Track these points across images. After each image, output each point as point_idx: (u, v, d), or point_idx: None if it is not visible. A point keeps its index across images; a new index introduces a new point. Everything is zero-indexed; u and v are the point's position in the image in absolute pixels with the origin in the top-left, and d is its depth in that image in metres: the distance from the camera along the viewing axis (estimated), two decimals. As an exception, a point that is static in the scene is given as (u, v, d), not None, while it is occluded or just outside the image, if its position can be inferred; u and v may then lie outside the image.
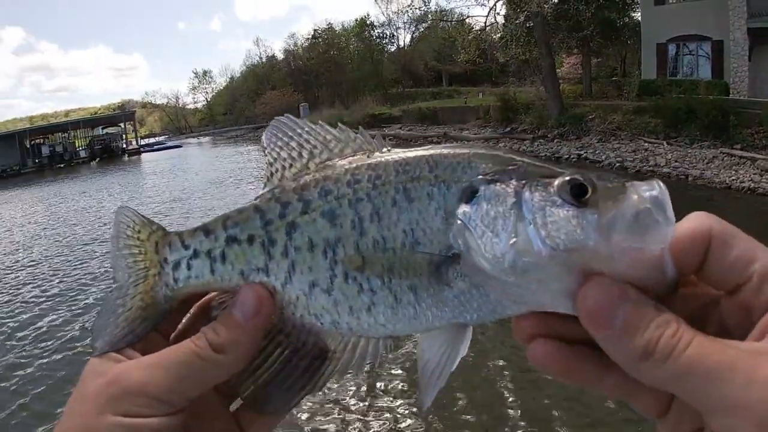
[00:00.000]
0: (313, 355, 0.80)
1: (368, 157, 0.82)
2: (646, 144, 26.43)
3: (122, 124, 72.43)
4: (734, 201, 18.94)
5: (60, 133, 69.22)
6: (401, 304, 0.77)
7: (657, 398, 0.67)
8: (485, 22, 39.38)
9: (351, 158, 0.83)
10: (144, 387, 0.71)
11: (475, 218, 0.72)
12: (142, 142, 74.35)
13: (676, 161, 23.66)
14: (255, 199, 0.83)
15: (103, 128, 71.81)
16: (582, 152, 27.68)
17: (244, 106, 78.66)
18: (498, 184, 0.73)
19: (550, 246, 0.66)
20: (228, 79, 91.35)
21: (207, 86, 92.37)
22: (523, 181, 0.71)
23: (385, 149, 0.83)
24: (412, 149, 0.81)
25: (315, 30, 71.82)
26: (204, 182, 32.70)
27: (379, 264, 0.77)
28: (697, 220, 0.65)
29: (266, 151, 0.86)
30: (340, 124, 0.86)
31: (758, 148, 22.19)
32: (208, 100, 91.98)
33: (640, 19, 34.67)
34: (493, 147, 0.81)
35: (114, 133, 70.57)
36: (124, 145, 69.63)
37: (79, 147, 66.98)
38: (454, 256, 0.74)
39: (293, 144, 0.85)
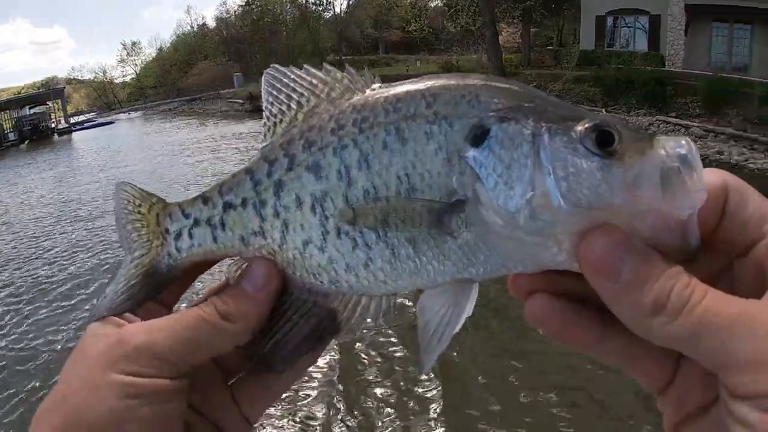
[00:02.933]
0: (315, 314, 0.77)
1: (356, 97, 0.77)
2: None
3: (50, 103, 69.24)
4: None
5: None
6: (399, 259, 0.72)
7: (662, 366, 0.64)
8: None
9: (337, 101, 0.78)
10: (150, 346, 0.70)
11: (487, 165, 0.66)
12: (72, 120, 71.40)
13: None
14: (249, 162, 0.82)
15: (30, 108, 68.38)
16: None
17: (175, 77, 76.46)
18: (513, 123, 0.66)
19: (571, 202, 0.61)
20: (157, 50, 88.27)
21: (136, 58, 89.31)
22: (543, 123, 0.65)
23: (376, 86, 0.77)
24: (411, 81, 0.75)
25: (247, -3, 70.19)
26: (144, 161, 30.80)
27: (371, 216, 0.71)
28: (712, 177, 0.61)
29: (264, 108, 0.83)
30: (325, 65, 0.81)
31: (692, 117, 24.20)
32: (138, 72, 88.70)
33: (581, -9, 35.83)
34: (504, 79, 0.73)
35: (42, 113, 66.81)
36: (54, 125, 66.58)
37: (7, 130, 63.56)
38: (458, 202, 0.68)
39: (282, 96, 0.81)
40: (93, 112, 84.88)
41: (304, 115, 0.79)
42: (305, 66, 0.81)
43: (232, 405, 0.81)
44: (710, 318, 0.53)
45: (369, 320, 0.77)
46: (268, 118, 0.82)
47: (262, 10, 67.40)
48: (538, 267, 0.65)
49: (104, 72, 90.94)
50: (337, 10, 63.98)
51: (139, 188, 0.87)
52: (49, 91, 72.81)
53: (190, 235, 0.82)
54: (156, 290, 0.82)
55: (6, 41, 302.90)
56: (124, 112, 75.94)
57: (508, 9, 36.63)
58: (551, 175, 0.62)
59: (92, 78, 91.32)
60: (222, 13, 76.58)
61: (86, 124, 67.97)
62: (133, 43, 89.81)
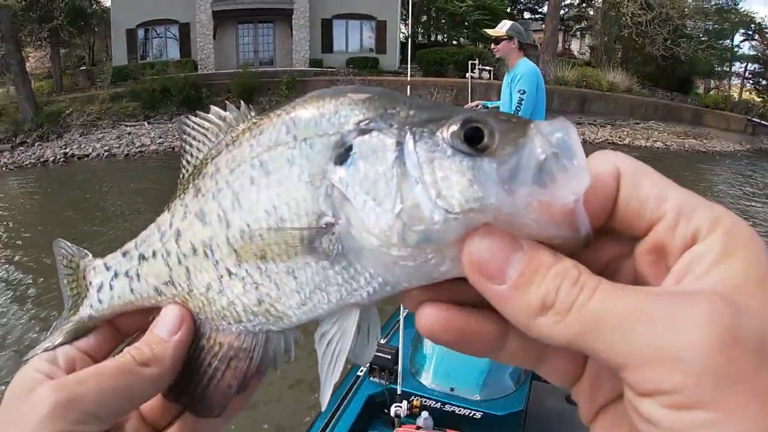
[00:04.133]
0: (231, 356, 0.74)
1: (230, 137, 0.74)
2: (128, 128, 27.09)
3: None
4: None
5: None
6: (284, 293, 0.68)
7: (567, 363, 0.59)
8: None
9: (217, 145, 0.75)
10: (72, 400, 0.67)
11: (353, 183, 0.60)
12: None
13: (160, 137, 25.26)
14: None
15: None
16: (67, 150, 25.89)
17: None
18: (375, 134, 0.60)
19: (443, 208, 0.54)
20: None
21: None
22: (406, 128, 0.59)
23: (249, 120, 0.73)
24: (277, 110, 0.69)
25: None
26: None
27: (251, 253, 0.68)
28: (602, 160, 0.55)
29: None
30: (212, 107, 0.77)
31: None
32: None
33: (110, 5, 34.92)
34: (366, 88, 0.66)
35: None
36: None
37: None
38: (328, 225, 0.63)
39: (184, 148, 0.79)
40: None
41: (198, 163, 0.77)
42: (199, 113, 0.78)
43: None
44: (602, 315, 0.49)
45: (283, 355, 0.75)
46: (179, 169, 0.80)
47: None
48: (424, 281, 0.61)
49: None
50: None
51: (72, 245, 0.89)
52: None
53: (111, 287, 0.82)
54: (74, 337, 0.81)
55: None
56: None
57: (34, 30, 32.52)
58: (419, 182, 0.56)
59: None
60: None
61: None
62: None
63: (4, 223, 16.04)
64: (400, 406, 4.22)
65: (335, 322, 0.69)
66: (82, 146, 25.95)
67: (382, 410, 4.47)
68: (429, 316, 0.58)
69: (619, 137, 29.28)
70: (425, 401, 4.33)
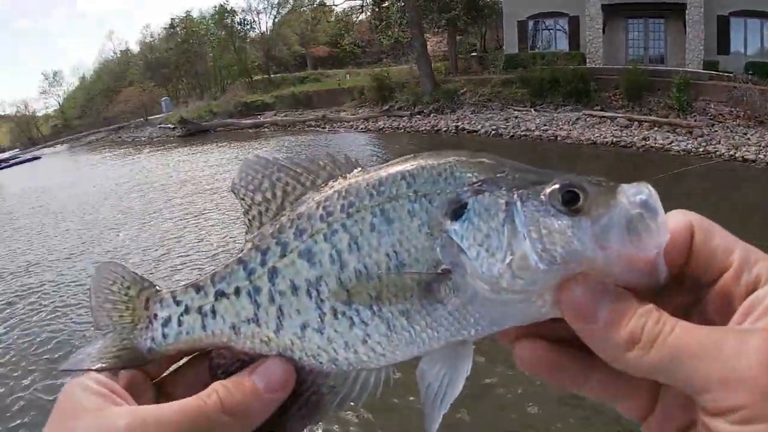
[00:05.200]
0: (314, 392, 0.79)
1: (340, 183, 0.80)
2: (516, 112, 29.29)
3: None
4: (601, 153, 21.97)
5: None
6: (395, 331, 0.75)
7: (642, 396, 0.69)
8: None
9: (323, 189, 0.80)
10: None
11: (468, 236, 0.70)
12: (-5, 158, 68.63)
13: (545, 125, 26.76)
14: (239, 252, 0.82)
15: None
16: (459, 124, 29.86)
17: (101, 106, 74.46)
18: (487, 194, 0.71)
19: (547, 260, 0.65)
20: (80, 79, 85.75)
21: (58, 88, 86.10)
22: (514, 190, 0.70)
23: (357, 170, 0.80)
24: (389, 164, 0.79)
25: (172, 20, 68.86)
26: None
27: (365, 294, 0.74)
28: (678, 217, 0.67)
29: (240, 199, 0.84)
30: (307, 154, 0.83)
31: (616, 108, 25.95)
32: (61, 103, 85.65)
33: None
34: (476, 153, 0.77)
35: (-39, 153, 64.12)
36: (-26, 164, 63.92)
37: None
38: (444, 272, 0.72)
39: (265, 185, 0.83)
40: (16, 148, 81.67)
41: (291, 204, 0.81)
42: (287, 155, 0.84)
43: None
44: (680, 347, 0.58)
45: (369, 392, 0.79)
46: (251, 207, 0.83)
47: (187, 33, 66.62)
48: (526, 321, 0.70)
49: (26, 105, 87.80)
50: (263, 28, 63.69)
51: (131, 271, 0.88)
52: (-34, 130, 69.58)
53: (179, 323, 0.83)
54: (124, 366, 0.82)
55: None
56: (49, 146, 73.31)
57: (434, 19, 37.48)
58: (526, 238, 0.67)
59: (13, 113, 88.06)
60: (145, 37, 75.02)
61: (11, 161, 65.29)
62: (55, 73, 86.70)
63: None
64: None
65: (440, 358, 0.75)
66: (472, 122, 29.57)
67: None
68: (525, 350, 0.70)
69: None
70: None
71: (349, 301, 0.75)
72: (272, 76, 56.68)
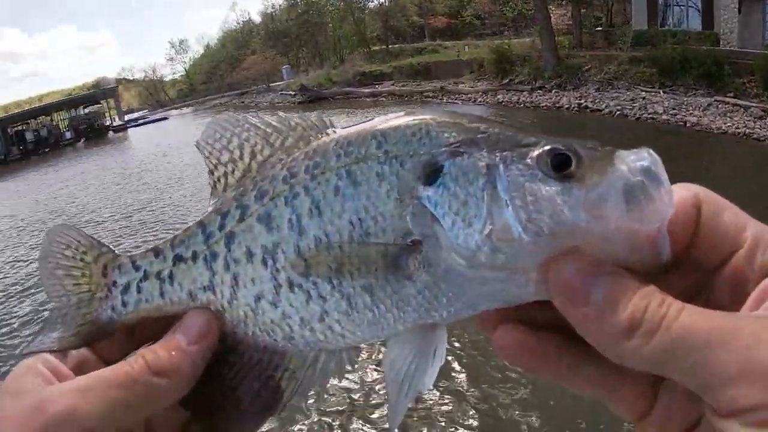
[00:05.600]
0: (271, 374, 0.73)
1: (309, 144, 0.74)
2: (643, 93, 28.05)
3: (103, 102, 71.01)
4: (731, 146, 20.77)
5: (42, 117, 67.38)
6: (356, 309, 0.69)
7: (639, 394, 0.61)
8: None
9: (291, 149, 0.75)
10: (71, 414, 0.63)
11: (442, 204, 0.63)
12: (126, 118, 73.23)
13: (673, 109, 25.30)
14: (201, 215, 0.78)
15: (84, 108, 69.94)
16: (582, 102, 29.26)
17: (224, 72, 78.22)
18: (466, 157, 0.64)
19: (533, 231, 0.58)
20: (205, 47, 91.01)
21: (184, 56, 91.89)
22: (497, 153, 0.63)
23: (329, 131, 0.75)
24: (360, 123, 0.72)
25: (293, -9, 71.00)
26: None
27: (324, 265, 0.68)
28: (684, 190, 0.59)
29: (206, 157, 0.79)
30: (279, 113, 0.78)
31: (750, 97, 24.14)
32: (187, 70, 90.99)
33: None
34: (454, 112, 0.70)
35: (96, 112, 68.97)
36: (109, 123, 68.53)
37: (63, 129, 65.84)
38: (415, 243, 0.65)
39: (233, 145, 0.78)
40: (144, 109, 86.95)
41: (258, 165, 0.77)
42: (258, 114, 0.79)
43: None
44: (689, 335, 0.50)
45: (330, 376, 0.74)
46: (216, 167, 0.79)
47: (307, 4, 68.24)
48: (507, 303, 0.63)
49: (154, 71, 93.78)
50: (382, -1, 64.39)
51: (88, 235, 0.82)
52: (102, 91, 74.67)
53: (138, 289, 0.79)
54: (86, 341, 0.78)
55: (54, 47, 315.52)
56: (176, 108, 77.65)
57: (559, -9, 36.67)
58: (509, 205, 0.60)
59: (142, 77, 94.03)
60: (267, 8, 77.82)
61: (140, 121, 69.60)
62: (181, 42, 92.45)
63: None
64: None
65: (407, 342, 0.68)
66: (596, 101, 28.79)
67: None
68: (505, 337, 0.61)
69: None
70: None
71: (306, 273, 0.70)
72: (390, 46, 57.12)
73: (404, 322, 0.68)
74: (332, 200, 0.69)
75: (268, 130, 0.77)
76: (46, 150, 60.14)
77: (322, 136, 0.75)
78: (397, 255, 0.65)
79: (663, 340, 0.51)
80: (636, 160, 0.57)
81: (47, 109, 69.26)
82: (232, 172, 0.78)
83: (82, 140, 62.23)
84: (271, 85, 60.24)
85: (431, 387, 0.70)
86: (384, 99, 41.28)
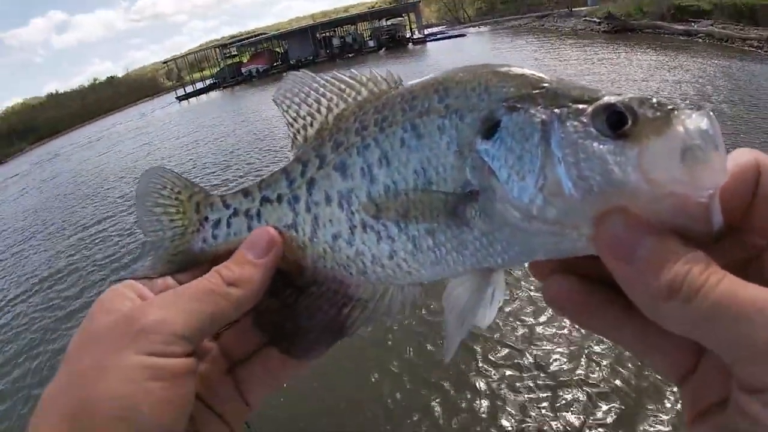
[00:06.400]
0: (344, 303, 0.79)
1: (378, 98, 0.79)
2: None
3: (405, 15, 73.97)
4: None
5: (347, 26, 73.39)
6: (421, 250, 0.74)
7: (681, 354, 0.59)
8: None
9: (363, 104, 0.80)
10: (163, 322, 0.68)
11: (499, 157, 0.64)
12: (426, 32, 75.61)
13: None
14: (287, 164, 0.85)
15: (387, 20, 74.14)
16: None
17: (525, -8, 76.22)
18: (522, 112, 0.64)
19: (583, 189, 0.58)
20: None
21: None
22: (552, 109, 0.62)
23: (397, 85, 0.80)
24: (428, 77, 0.76)
25: None
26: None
27: (392, 210, 0.74)
28: (744, 155, 0.56)
29: (285, 112, 0.85)
30: (351, 69, 0.82)
31: None
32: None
33: None
34: (519, 66, 0.70)
35: (398, 24, 72.23)
36: (409, 35, 71.01)
37: (366, 38, 70.19)
38: (472, 193, 0.67)
39: (311, 100, 0.84)
40: (442, 25, 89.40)
41: (334, 118, 0.82)
42: (334, 72, 0.82)
43: (233, 391, 0.81)
44: (726, 303, 0.48)
45: (397, 309, 0.79)
46: (295, 120, 0.84)
47: None
48: (559, 254, 0.64)
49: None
50: None
51: (182, 176, 0.89)
52: (404, 5, 77.29)
53: (228, 224, 0.86)
54: (180, 267, 0.85)
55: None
56: (473, 26, 78.27)
57: None
58: (561, 162, 0.59)
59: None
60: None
61: (438, 36, 71.56)
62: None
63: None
64: None
65: (466, 282, 0.72)
66: None
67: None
68: (556, 287, 0.62)
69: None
70: None
71: (377, 216, 0.75)
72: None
73: (463, 265, 0.72)
74: (398, 151, 0.74)
75: (342, 86, 0.82)
76: (350, 55, 64.84)
77: (390, 90, 0.80)
78: (456, 203, 0.69)
79: (699, 306, 0.50)
80: (694, 122, 0.55)
81: (353, 19, 75.22)
82: (311, 124, 0.84)
83: (383, 49, 65.29)
84: (573, 9, 56.99)
85: (489, 325, 0.71)
86: (700, 40, 36.20)
